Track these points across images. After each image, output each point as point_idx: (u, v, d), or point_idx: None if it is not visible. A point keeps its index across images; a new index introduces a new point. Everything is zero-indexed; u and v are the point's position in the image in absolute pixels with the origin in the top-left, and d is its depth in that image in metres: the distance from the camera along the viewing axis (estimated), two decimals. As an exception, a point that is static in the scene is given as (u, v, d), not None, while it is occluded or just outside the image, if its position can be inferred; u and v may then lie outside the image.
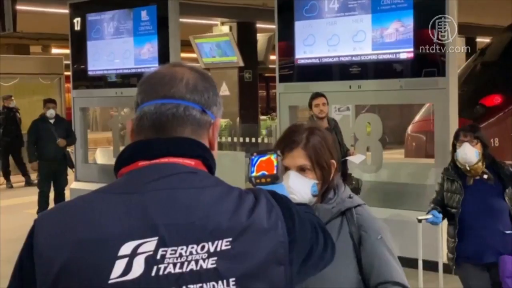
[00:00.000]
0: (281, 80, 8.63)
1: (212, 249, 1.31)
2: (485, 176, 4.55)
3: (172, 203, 1.34)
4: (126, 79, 10.36)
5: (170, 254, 1.30)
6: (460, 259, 4.60)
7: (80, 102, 11.24)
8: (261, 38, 17.47)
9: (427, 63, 7.33)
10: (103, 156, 11.75)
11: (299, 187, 2.24)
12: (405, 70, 7.56)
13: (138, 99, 1.49)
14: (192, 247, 1.31)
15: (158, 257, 1.30)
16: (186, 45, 12.24)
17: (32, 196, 11.09)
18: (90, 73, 10.91)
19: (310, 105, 7.20)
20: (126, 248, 1.30)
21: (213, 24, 16.62)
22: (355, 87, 7.47)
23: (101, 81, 10.83)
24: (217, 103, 1.51)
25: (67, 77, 12.78)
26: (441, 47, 7.06)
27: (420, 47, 7.25)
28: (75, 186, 10.73)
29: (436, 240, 5.34)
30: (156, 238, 1.30)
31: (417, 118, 12.78)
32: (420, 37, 7.32)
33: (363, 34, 7.78)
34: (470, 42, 17.69)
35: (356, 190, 7.25)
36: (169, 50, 9.67)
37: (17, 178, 14.49)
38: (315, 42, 8.20)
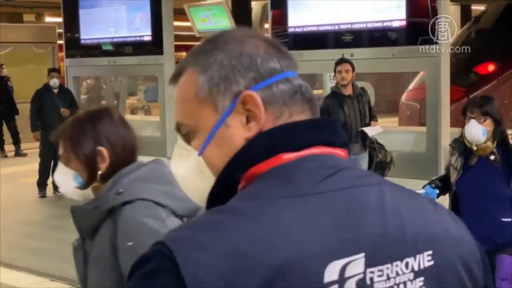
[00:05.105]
0: (274, 48, 8.60)
1: (416, 267, 1.03)
2: (492, 157, 4.09)
3: (361, 206, 1.02)
4: (119, 48, 10.32)
5: (378, 276, 1.00)
6: None
7: (73, 71, 11.20)
8: (255, 6, 17.40)
9: (419, 31, 7.32)
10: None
11: (62, 180, 2.16)
12: (398, 38, 7.57)
13: (271, 64, 1.10)
14: (397, 265, 1.01)
15: (368, 281, 0.99)
16: (180, 13, 12.19)
17: (25, 165, 11.13)
18: (83, 41, 10.86)
19: (334, 71, 7.00)
20: (332, 271, 0.96)
21: (207, -9, 16.51)
22: (348, 55, 7.46)
23: (94, 50, 10.79)
24: None
25: (60, 46, 12.73)
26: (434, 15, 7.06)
27: (413, 15, 7.25)
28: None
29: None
30: (363, 254, 0.98)
31: (411, 86, 12.78)
32: (412, 5, 7.32)
33: (356, 2, 7.76)
34: (465, 10, 17.61)
35: (382, 164, 6.96)
36: (162, 18, 9.63)
37: (11, 147, 14.50)
38: (308, 10, 8.17)
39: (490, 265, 3.86)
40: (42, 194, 10.03)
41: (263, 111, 1.06)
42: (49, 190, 10.13)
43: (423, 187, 4.38)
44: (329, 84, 8.85)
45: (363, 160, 6.95)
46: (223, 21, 15.96)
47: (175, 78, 1.14)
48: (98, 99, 15.42)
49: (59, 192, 10.03)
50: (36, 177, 10.14)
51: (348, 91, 6.94)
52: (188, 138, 1.12)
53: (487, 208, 4.07)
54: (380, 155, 7.00)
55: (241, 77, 1.07)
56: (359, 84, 7.28)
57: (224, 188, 1.06)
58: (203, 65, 1.10)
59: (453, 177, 4.23)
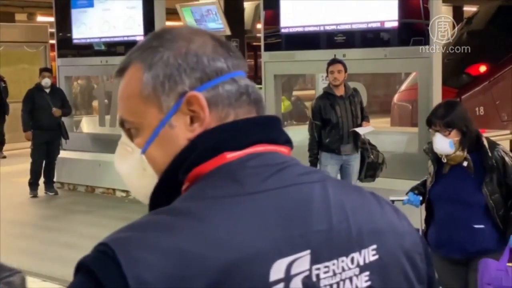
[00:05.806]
0: (266, 49, 8.62)
1: (361, 261, 1.02)
2: (465, 163, 3.91)
3: (306, 203, 1.01)
4: (111, 48, 10.30)
5: (324, 272, 0.99)
6: (431, 247, 4.00)
7: (65, 70, 11.18)
8: (248, 6, 17.39)
9: (411, 32, 7.35)
10: (89, 125, 11.72)
11: None
12: (390, 39, 7.59)
13: (218, 64, 1.07)
14: (343, 261, 1.01)
15: (314, 278, 0.98)
16: (173, 13, 12.18)
17: (18, 164, 11.09)
18: (75, 41, 10.84)
19: (327, 72, 7.01)
20: (278, 270, 0.95)
21: (200, -9, 16.50)
22: (340, 55, 7.47)
23: (86, 50, 10.77)
24: None
25: (52, 45, 12.68)
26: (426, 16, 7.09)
27: (405, 16, 7.27)
28: (61, 155, 10.71)
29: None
30: (308, 251, 0.98)
31: (403, 87, 12.81)
32: (405, 6, 7.34)
33: (348, 3, 7.77)
34: (457, 11, 17.66)
35: (374, 165, 6.97)
36: (154, 18, 9.62)
37: (7, 147, 14.39)
38: (301, 10, 8.18)
39: (465, 273, 3.64)
40: (34, 194, 10.00)
41: (208, 113, 1.04)
42: (41, 190, 10.10)
43: (406, 193, 4.27)
44: (322, 84, 8.86)
45: (355, 161, 6.96)
46: (191, 21, 15.96)
47: (120, 72, 1.11)
48: (90, 99, 15.41)
49: (50, 193, 10.07)
50: (27, 177, 10.11)
51: (340, 91, 6.95)
52: (130, 134, 1.11)
53: (460, 216, 3.93)
54: (372, 156, 7.01)
55: (187, 76, 1.05)
56: (351, 84, 7.29)
57: (167, 188, 1.04)
58: (148, 62, 1.07)
59: (428, 183, 4.11)
